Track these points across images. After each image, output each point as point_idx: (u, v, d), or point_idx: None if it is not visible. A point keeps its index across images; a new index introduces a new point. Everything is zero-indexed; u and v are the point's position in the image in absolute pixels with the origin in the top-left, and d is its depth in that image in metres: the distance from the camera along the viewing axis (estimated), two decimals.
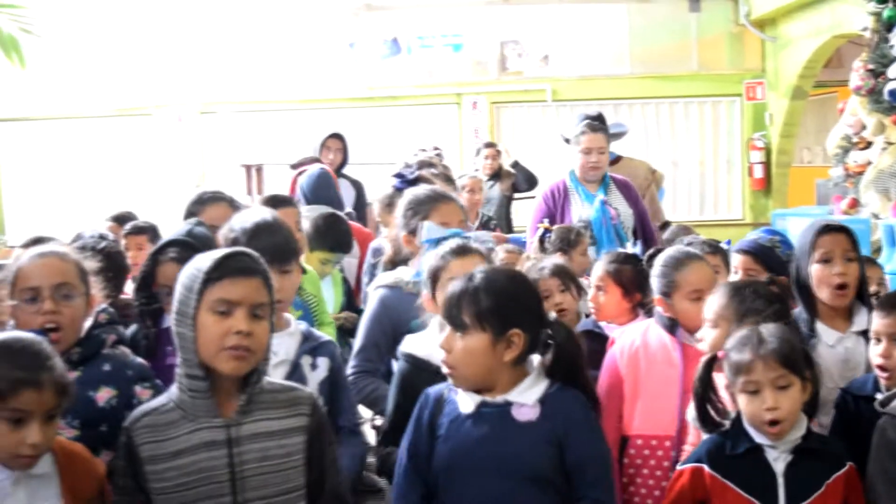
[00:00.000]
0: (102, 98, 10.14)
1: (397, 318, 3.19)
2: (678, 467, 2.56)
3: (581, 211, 5.20)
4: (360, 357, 3.21)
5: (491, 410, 2.33)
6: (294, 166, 6.47)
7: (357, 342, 3.29)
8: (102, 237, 3.75)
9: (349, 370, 3.16)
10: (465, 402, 2.35)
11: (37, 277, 2.44)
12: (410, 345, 2.82)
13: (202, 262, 2.13)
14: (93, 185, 10.03)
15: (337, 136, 6.53)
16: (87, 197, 9.75)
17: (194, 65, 10.23)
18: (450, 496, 2.35)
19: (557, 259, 3.91)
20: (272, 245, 2.74)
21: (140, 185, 9.78)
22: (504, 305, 2.34)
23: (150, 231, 4.67)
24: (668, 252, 3.24)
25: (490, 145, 7.97)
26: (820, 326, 2.98)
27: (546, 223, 4.84)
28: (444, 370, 2.35)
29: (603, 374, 3.03)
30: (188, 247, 3.00)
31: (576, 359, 2.39)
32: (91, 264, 2.62)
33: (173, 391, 2.18)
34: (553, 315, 2.45)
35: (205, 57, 10.27)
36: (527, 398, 2.32)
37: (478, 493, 2.31)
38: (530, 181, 7.63)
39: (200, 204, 3.91)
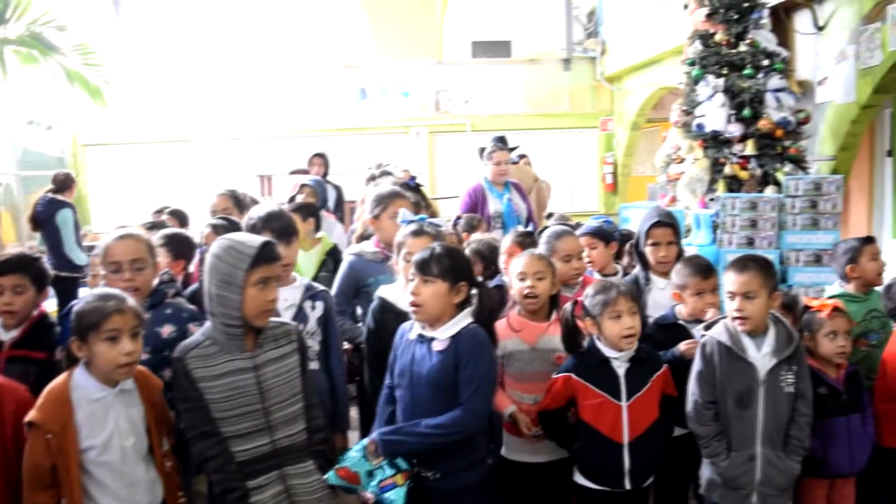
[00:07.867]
0: (161, 127, 11.39)
1: (359, 277, 3.63)
2: (553, 376, 2.88)
3: (494, 205, 5.65)
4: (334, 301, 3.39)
5: (423, 340, 2.64)
6: (292, 173, 8.01)
7: (333, 290, 3.58)
8: (164, 224, 4.49)
9: None
10: (414, 331, 2.68)
11: (119, 254, 2.72)
12: (384, 291, 3.15)
13: (244, 248, 2.35)
14: (160, 192, 10.59)
15: (319, 155, 7.71)
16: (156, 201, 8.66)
17: (218, 99, 11.35)
18: (399, 396, 2.71)
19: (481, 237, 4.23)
20: (280, 226, 3.10)
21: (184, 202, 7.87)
22: (458, 265, 2.61)
23: (179, 216, 5.72)
24: (550, 230, 3.61)
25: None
26: (654, 277, 3.52)
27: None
28: (411, 309, 2.60)
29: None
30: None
31: (492, 308, 2.67)
32: (156, 240, 2.87)
33: (208, 332, 2.44)
34: (480, 278, 2.70)
35: (233, 90, 11.38)
36: (442, 333, 2.58)
37: (402, 395, 2.69)
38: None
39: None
